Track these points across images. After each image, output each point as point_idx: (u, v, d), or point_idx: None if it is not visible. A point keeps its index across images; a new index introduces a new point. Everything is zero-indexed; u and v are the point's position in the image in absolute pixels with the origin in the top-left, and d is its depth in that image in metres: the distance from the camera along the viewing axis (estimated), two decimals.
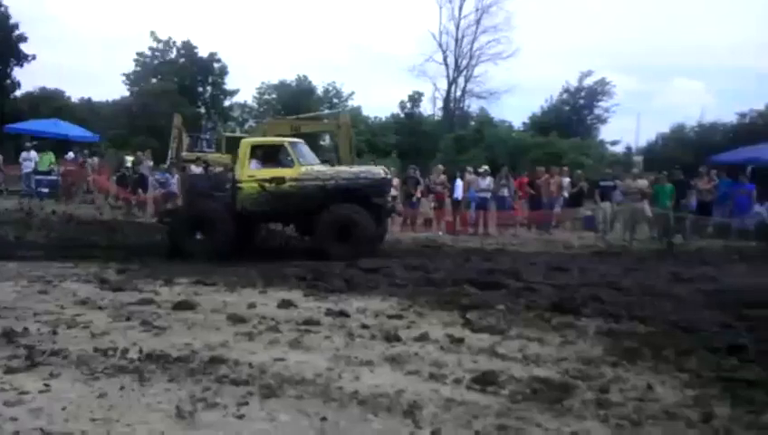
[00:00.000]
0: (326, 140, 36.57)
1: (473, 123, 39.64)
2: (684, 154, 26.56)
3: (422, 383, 4.64)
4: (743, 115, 31.70)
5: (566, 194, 18.42)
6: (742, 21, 64.93)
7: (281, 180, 12.10)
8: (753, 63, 63.22)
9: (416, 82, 63.72)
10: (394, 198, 16.00)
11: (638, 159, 33.34)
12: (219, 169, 14.25)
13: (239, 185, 12.23)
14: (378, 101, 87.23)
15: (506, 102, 59.46)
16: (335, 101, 43.68)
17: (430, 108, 45.74)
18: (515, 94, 59.98)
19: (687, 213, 16.65)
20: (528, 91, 65.71)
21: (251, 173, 12.27)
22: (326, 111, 34.35)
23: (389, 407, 4.16)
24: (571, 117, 39.68)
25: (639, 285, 8.74)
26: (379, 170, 12.75)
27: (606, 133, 40.98)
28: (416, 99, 43.21)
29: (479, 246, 14.42)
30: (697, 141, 30.88)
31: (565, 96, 40.70)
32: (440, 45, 44.37)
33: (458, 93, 45.34)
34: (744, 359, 5.30)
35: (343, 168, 12.79)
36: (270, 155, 12.62)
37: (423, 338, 5.81)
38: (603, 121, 40.96)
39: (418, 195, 18.32)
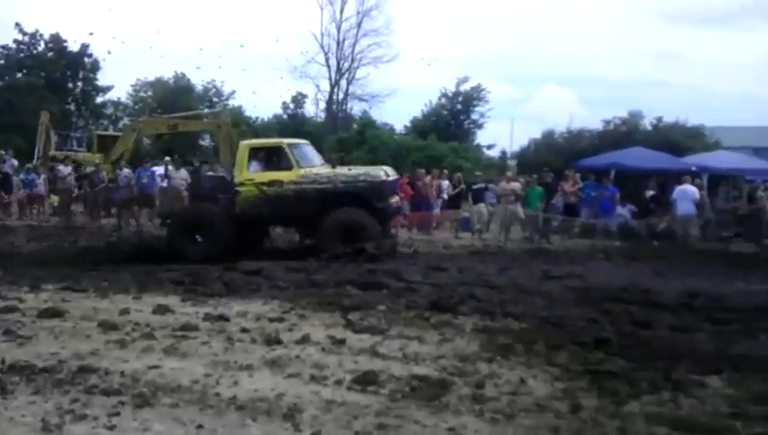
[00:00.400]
0: (206, 140, 35.72)
1: (355, 126, 39.86)
2: (554, 159, 27.80)
3: (303, 386, 4.61)
4: (607, 122, 33.55)
5: (445, 196, 18.92)
6: (607, 32, 69.08)
7: (279, 183, 11.98)
8: (616, 73, 67.39)
9: (298, 83, 63.38)
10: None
11: (512, 162, 34.73)
12: (91, 168, 13.62)
13: (238, 188, 12.15)
14: (260, 101, 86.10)
15: (388, 105, 60.24)
16: (215, 99, 42.65)
17: (313, 109, 45.73)
18: (397, 98, 60.99)
19: (556, 214, 17.53)
20: (409, 94, 67.02)
21: (249, 176, 12.20)
22: (206, 111, 33.42)
23: (269, 411, 4.10)
24: (450, 121, 40.71)
25: (513, 283, 9.10)
26: (378, 172, 12.47)
27: (482, 138, 42.28)
28: (299, 100, 43.03)
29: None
30: (566, 147, 32.36)
31: (443, 101, 41.68)
32: (322, 47, 44.50)
33: (341, 96, 45.67)
34: (609, 352, 5.60)
35: (342, 170, 12.60)
36: (269, 157, 12.60)
37: (304, 340, 5.78)
38: (479, 126, 42.28)
39: None
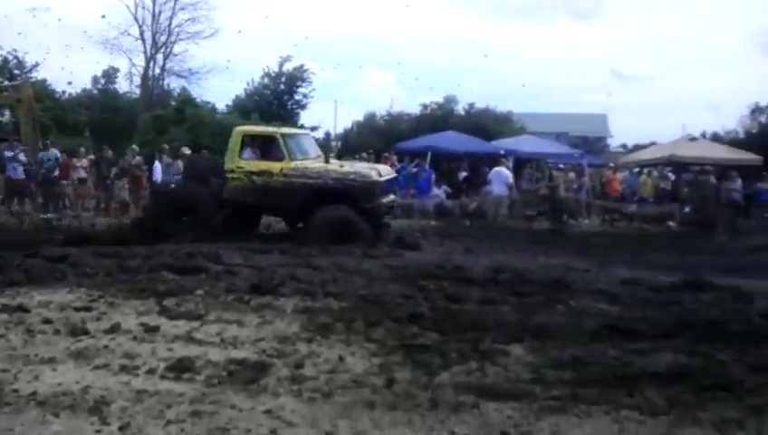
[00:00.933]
0: (6, 116, 32.60)
1: (173, 103, 38.15)
2: (376, 141, 28.42)
3: (111, 377, 4.37)
4: (425, 106, 34.82)
5: None
6: (426, 20, 71.45)
7: (268, 174, 11.84)
8: (433, 59, 69.92)
9: (110, 57, 59.27)
10: None
11: (336, 144, 35.09)
12: None
13: (228, 174, 12.08)
14: (67, 74, 79.84)
15: (211, 83, 58.21)
16: (16, 72, 38.87)
17: (127, 85, 43.10)
18: (220, 75, 59.05)
19: None
20: (231, 72, 65.42)
21: (240, 164, 12.09)
22: (6, 83, 30.45)
23: (73, 405, 3.86)
24: (273, 101, 40.14)
25: (334, 263, 9.18)
26: (370, 172, 12.16)
27: (306, 119, 42.04)
28: (110, 74, 40.35)
29: None
30: (387, 129, 33.18)
31: (266, 80, 41.00)
32: (136, 19, 41.93)
33: (157, 71, 43.44)
34: (423, 326, 5.83)
35: (333, 167, 12.31)
36: (262, 145, 12.46)
37: (114, 329, 5.47)
38: (303, 107, 42.02)
39: (113, 177, 17.33)
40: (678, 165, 22.08)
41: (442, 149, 21.32)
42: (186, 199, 12.26)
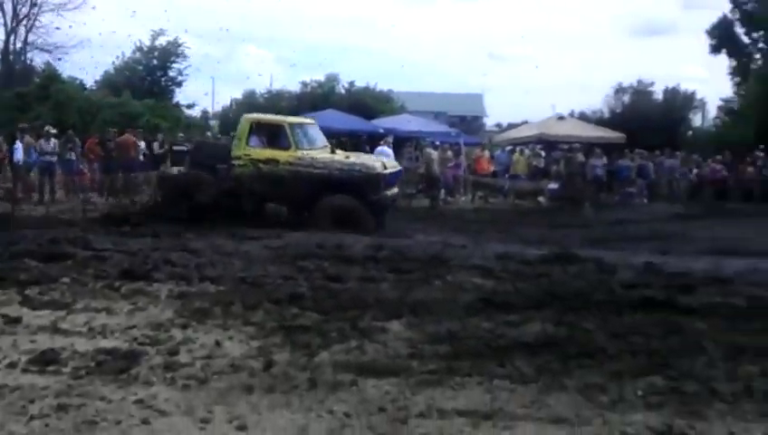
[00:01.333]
0: None
1: (37, 79, 35.75)
2: None
3: None
4: (305, 84, 34.70)
5: (141, 157, 18.07)
6: None
7: (274, 163, 11.82)
8: (314, 37, 69.55)
9: None
10: None
11: (214, 122, 34.18)
12: None
13: (234, 161, 12.08)
14: None
15: (79, 58, 55.09)
16: None
17: None
18: (87, 50, 55.78)
19: None
20: (100, 47, 62.14)
21: (247, 151, 12.08)
22: None
23: None
24: (145, 77, 38.45)
25: (211, 245, 8.93)
26: (375, 164, 12.23)
27: (182, 96, 40.48)
28: None
29: (46, 214, 13.22)
30: (267, 107, 32.72)
31: (138, 55, 39.16)
32: None
33: (19, 45, 40.48)
34: (303, 307, 5.82)
35: (339, 157, 12.33)
36: (270, 134, 12.45)
37: None
38: (178, 84, 40.53)
39: None
40: (548, 143, 23.09)
41: (323, 127, 20.95)
42: (192, 185, 11.94)
